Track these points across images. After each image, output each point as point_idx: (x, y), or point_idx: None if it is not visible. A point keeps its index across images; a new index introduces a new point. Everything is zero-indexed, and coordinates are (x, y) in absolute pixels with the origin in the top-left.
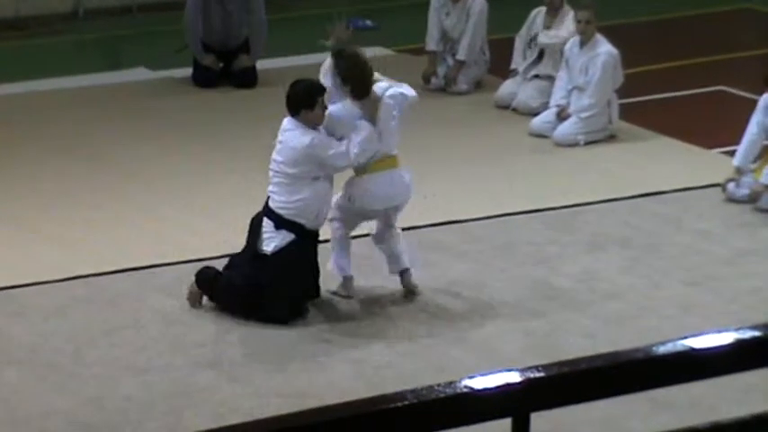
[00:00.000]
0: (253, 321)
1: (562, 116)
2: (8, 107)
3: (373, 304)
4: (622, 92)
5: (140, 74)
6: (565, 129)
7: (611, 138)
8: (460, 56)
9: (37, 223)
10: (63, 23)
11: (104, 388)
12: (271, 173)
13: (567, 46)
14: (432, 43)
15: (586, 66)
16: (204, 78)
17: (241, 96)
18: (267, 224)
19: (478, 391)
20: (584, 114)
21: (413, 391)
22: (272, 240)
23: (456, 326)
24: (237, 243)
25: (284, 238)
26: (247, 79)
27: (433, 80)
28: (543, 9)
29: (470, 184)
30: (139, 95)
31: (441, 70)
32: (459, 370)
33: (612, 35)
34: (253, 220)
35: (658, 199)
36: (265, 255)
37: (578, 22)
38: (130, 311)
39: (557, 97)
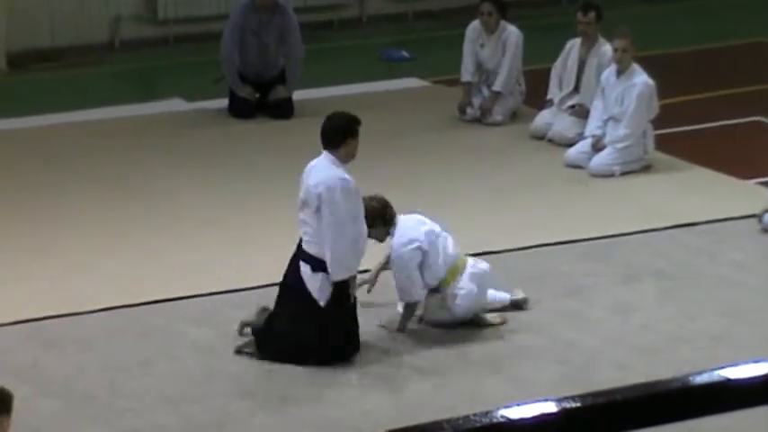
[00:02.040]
0: None
1: (597, 147)
2: (44, 138)
3: (406, 335)
4: (658, 122)
5: (176, 105)
6: (600, 159)
7: (647, 168)
8: (497, 87)
9: (71, 254)
10: (99, 54)
11: (140, 419)
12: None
13: (604, 75)
14: (467, 74)
15: (622, 96)
16: (241, 109)
17: (277, 127)
18: (304, 270)
19: (515, 420)
20: (619, 145)
21: (449, 421)
22: (322, 293)
23: (490, 356)
24: (271, 274)
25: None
26: (284, 110)
27: (469, 111)
28: (578, 40)
29: (505, 215)
30: (175, 126)
31: (476, 101)
32: (494, 400)
33: (649, 65)
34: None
35: (693, 230)
36: (313, 304)
37: (615, 50)
38: (164, 342)
39: (591, 127)
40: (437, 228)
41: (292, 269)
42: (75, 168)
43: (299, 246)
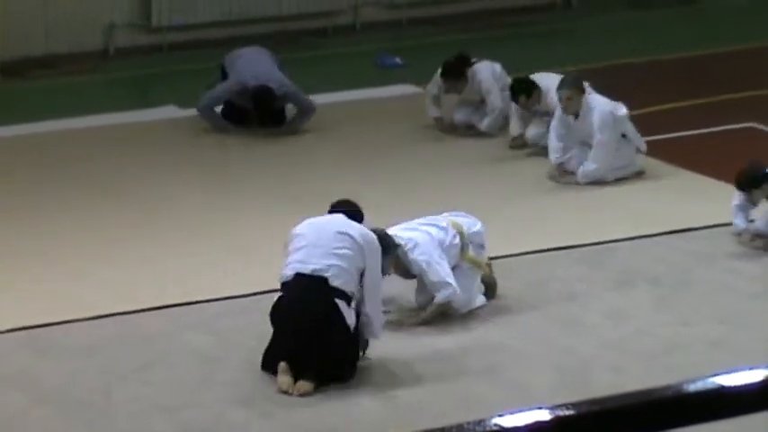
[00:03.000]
0: None
1: (563, 172)
2: (37, 145)
3: (403, 340)
4: (651, 129)
5: (171, 112)
6: (590, 166)
7: (640, 174)
8: (483, 128)
9: (67, 260)
10: (93, 62)
11: (136, 426)
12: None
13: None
14: (433, 112)
15: (582, 134)
16: (235, 116)
17: (271, 134)
18: (341, 304)
19: (508, 429)
20: (590, 179)
21: (442, 429)
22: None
23: (485, 362)
24: (266, 281)
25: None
26: (276, 118)
27: (458, 115)
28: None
29: (499, 222)
30: (169, 133)
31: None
32: (489, 407)
33: (642, 72)
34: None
35: (688, 236)
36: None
37: (559, 99)
38: (161, 349)
39: (554, 156)
40: (433, 230)
41: (311, 305)
42: (70, 175)
43: (318, 280)
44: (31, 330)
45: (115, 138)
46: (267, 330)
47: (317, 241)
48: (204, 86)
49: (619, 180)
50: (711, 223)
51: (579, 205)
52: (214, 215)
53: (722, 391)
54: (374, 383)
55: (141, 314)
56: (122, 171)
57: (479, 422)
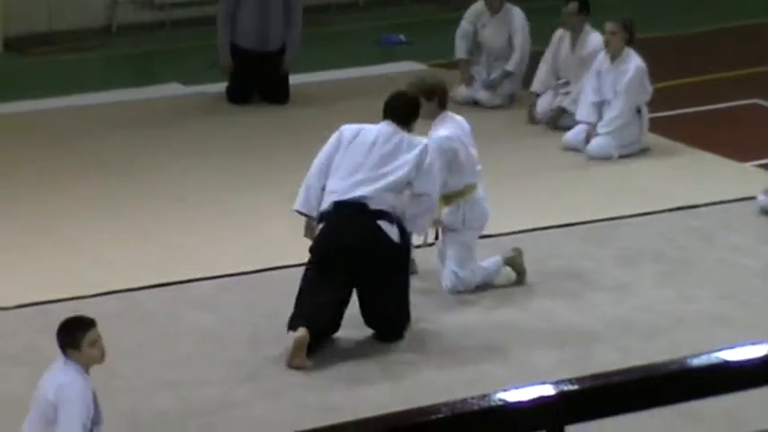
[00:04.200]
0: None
1: (591, 135)
2: (40, 122)
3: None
4: (655, 105)
5: (174, 89)
6: (597, 143)
7: (645, 151)
8: (510, 67)
9: (68, 238)
10: (96, 39)
11: (137, 402)
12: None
13: (598, 59)
14: (461, 52)
15: (614, 81)
16: (238, 93)
17: (274, 111)
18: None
19: (512, 404)
20: (607, 129)
21: (447, 405)
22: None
23: (489, 339)
24: (270, 258)
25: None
26: (280, 95)
27: (465, 90)
28: (567, 33)
29: (504, 199)
30: (173, 111)
31: (476, 83)
32: (493, 383)
33: (645, 49)
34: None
35: (692, 213)
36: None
37: (604, 33)
38: (163, 327)
39: (583, 114)
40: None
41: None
42: (71, 153)
43: (361, 207)
44: (34, 307)
45: (118, 115)
46: (272, 308)
47: (359, 167)
48: (206, 64)
49: (623, 157)
50: (715, 200)
51: (584, 183)
52: (218, 192)
53: (725, 366)
54: (378, 362)
55: (144, 291)
56: (125, 149)
57: (484, 397)
